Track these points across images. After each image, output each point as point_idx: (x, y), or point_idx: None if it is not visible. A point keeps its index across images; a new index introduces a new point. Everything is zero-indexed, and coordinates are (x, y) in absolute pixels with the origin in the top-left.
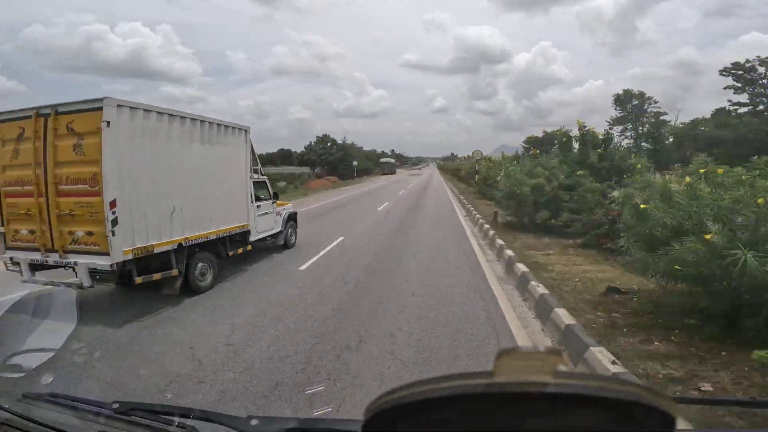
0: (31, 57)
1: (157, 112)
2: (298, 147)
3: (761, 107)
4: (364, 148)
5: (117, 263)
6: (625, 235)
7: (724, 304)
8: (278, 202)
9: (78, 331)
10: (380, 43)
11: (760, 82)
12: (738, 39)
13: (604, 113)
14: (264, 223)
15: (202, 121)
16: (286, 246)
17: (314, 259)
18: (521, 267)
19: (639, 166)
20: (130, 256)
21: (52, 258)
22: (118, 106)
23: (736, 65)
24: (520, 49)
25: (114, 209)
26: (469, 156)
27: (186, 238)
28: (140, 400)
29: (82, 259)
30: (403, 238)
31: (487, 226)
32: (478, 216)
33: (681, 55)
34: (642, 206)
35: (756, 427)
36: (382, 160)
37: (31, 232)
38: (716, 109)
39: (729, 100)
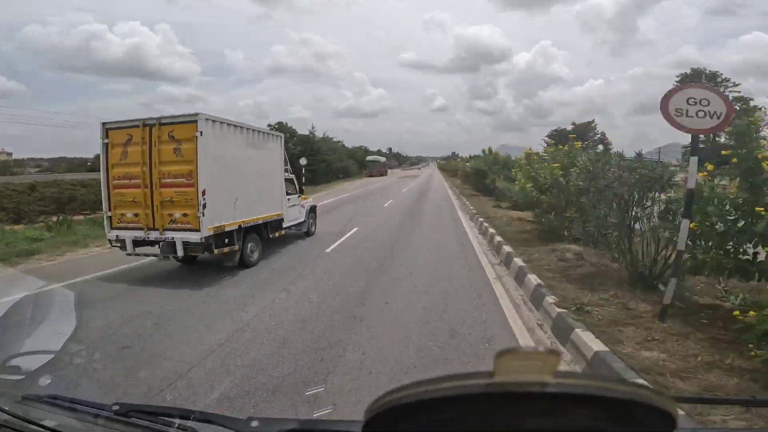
0: (31, 57)
1: (227, 124)
2: None
3: None
4: (344, 144)
5: (205, 237)
6: None
7: None
8: (302, 196)
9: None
10: (380, 43)
11: None
12: (738, 39)
13: (605, 113)
14: (293, 213)
15: (253, 130)
16: (308, 234)
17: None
18: None
19: None
20: (211, 233)
21: (153, 235)
22: (206, 119)
23: None
24: (521, 49)
25: (204, 197)
26: (469, 156)
27: (243, 221)
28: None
29: (178, 235)
30: None
31: None
32: None
33: (682, 54)
34: None
35: (756, 427)
36: (369, 158)
37: (135, 215)
38: None
39: None
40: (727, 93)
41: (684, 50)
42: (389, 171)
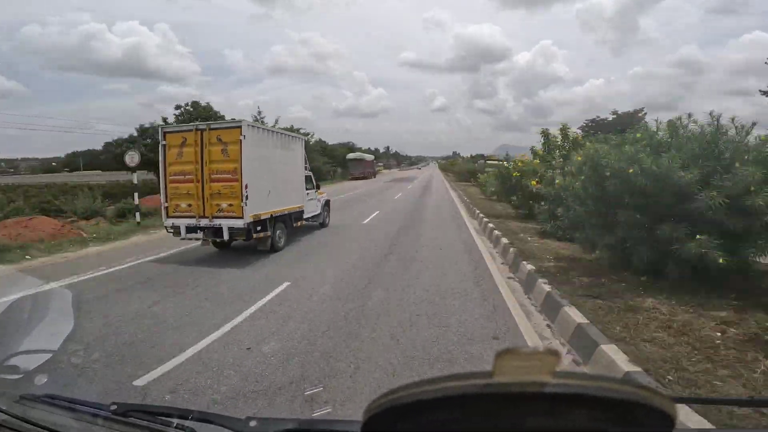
0: (31, 57)
1: (263, 129)
2: None
3: None
4: (321, 139)
5: (247, 223)
6: None
7: None
8: (318, 191)
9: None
10: (380, 42)
11: None
12: (739, 38)
13: (605, 112)
14: (311, 206)
15: (280, 133)
16: (323, 225)
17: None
18: None
19: None
20: (251, 220)
21: (203, 222)
22: (248, 125)
23: None
24: (521, 48)
25: (246, 190)
26: (470, 156)
27: (274, 211)
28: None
29: (224, 222)
30: None
31: None
32: None
33: (683, 53)
34: None
35: (756, 427)
36: (351, 156)
37: (189, 205)
38: None
39: None
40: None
41: (685, 49)
42: (386, 171)
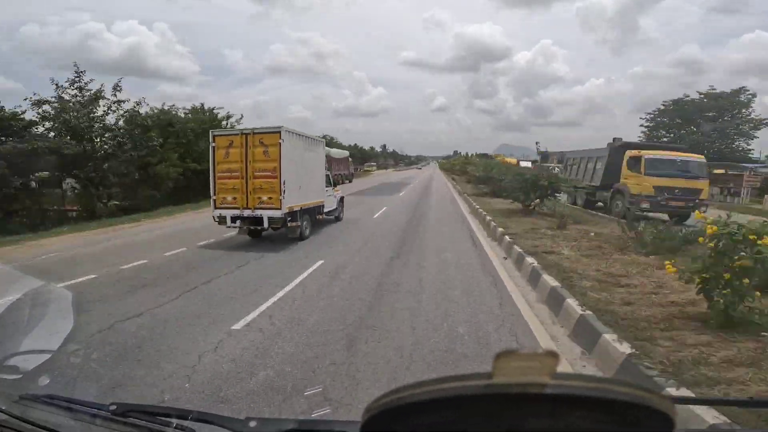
0: (31, 57)
1: (296, 134)
2: None
3: None
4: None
5: (284, 213)
6: None
7: None
8: (335, 189)
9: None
10: (379, 42)
11: None
12: (740, 38)
13: (606, 112)
14: (329, 201)
15: (308, 137)
16: (338, 219)
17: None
18: None
19: None
20: (287, 211)
21: (247, 213)
22: (286, 131)
23: None
24: (521, 48)
25: (284, 186)
26: (473, 155)
27: (303, 204)
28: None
29: (265, 212)
30: None
31: None
32: None
33: (683, 52)
34: None
35: (755, 428)
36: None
37: (234, 198)
38: None
39: None
40: None
41: (685, 49)
42: (377, 172)
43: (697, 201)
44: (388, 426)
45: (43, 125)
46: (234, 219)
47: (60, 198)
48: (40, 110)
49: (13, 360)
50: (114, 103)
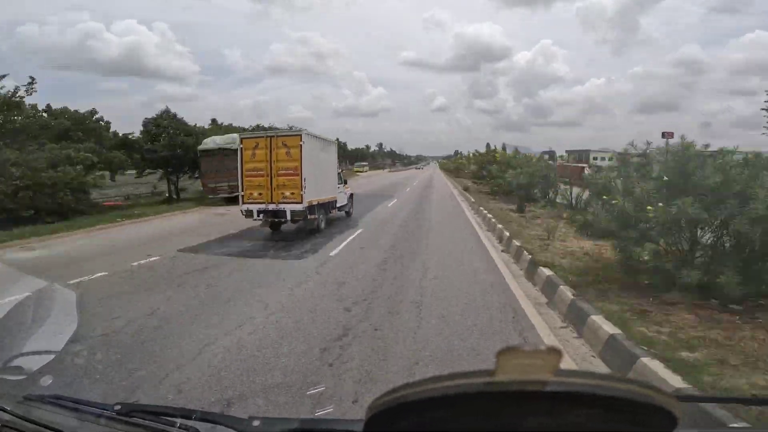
0: (30, 56)
1: (314, 136)
2: None
3: None
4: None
5: (305, 207)
6: None
7: None
8: (345, 186)
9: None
10: (379, 42)
11: None
12: (740, 38)
13: (606, 112)
14: (341, 198)
15: (323, 139)
16: (348, 215)
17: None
18: None
19: None
20: (307, 205)
21: (271, 207)
22: (306, 134)
23: None
24: (521, 47)
25: (305, 183)
26: (475, 153)
27: (320, 200)
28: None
29: (288, 206)
30: None
31: None
32: None
33: (684, 52)
34: None
35: (757, 426)
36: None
37: (260, 194)
38: None
39: None
40: None
41: (686, 49)
42: (366, 174)
43: None
44: (390, 424)
45: None
46: (259, 212)
47: None
48: None
49: (17, 361)
50: None
